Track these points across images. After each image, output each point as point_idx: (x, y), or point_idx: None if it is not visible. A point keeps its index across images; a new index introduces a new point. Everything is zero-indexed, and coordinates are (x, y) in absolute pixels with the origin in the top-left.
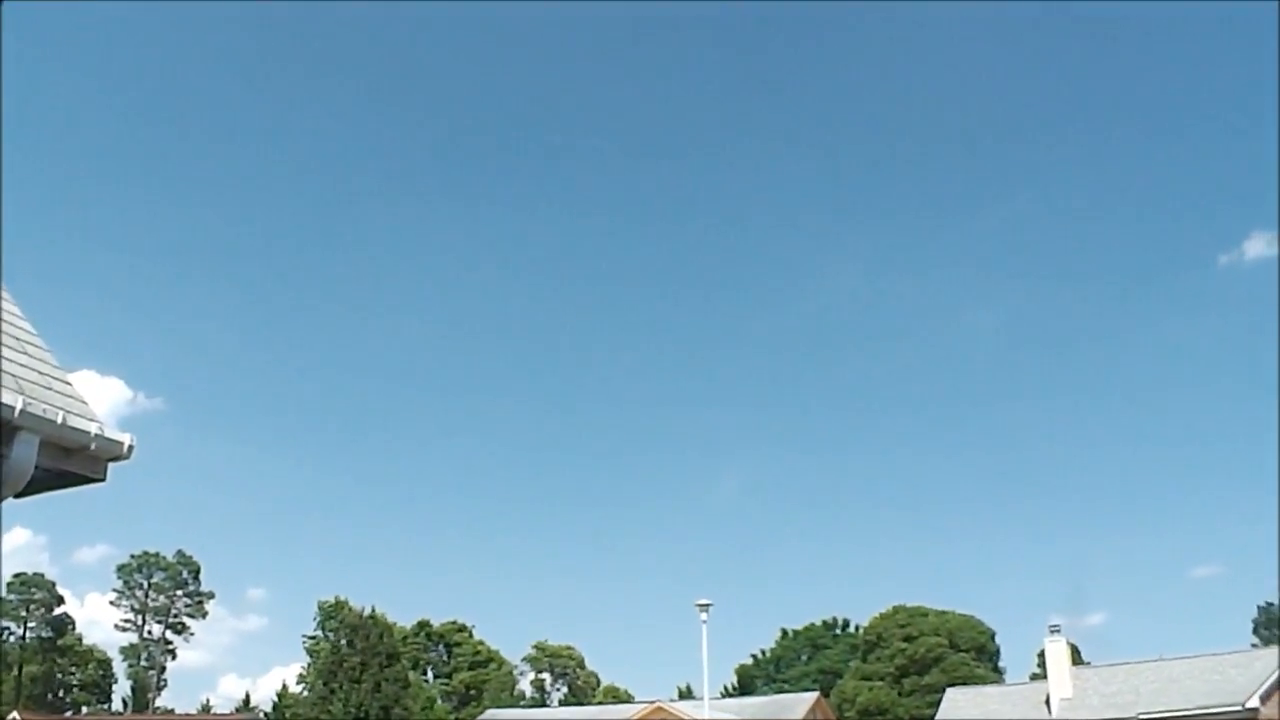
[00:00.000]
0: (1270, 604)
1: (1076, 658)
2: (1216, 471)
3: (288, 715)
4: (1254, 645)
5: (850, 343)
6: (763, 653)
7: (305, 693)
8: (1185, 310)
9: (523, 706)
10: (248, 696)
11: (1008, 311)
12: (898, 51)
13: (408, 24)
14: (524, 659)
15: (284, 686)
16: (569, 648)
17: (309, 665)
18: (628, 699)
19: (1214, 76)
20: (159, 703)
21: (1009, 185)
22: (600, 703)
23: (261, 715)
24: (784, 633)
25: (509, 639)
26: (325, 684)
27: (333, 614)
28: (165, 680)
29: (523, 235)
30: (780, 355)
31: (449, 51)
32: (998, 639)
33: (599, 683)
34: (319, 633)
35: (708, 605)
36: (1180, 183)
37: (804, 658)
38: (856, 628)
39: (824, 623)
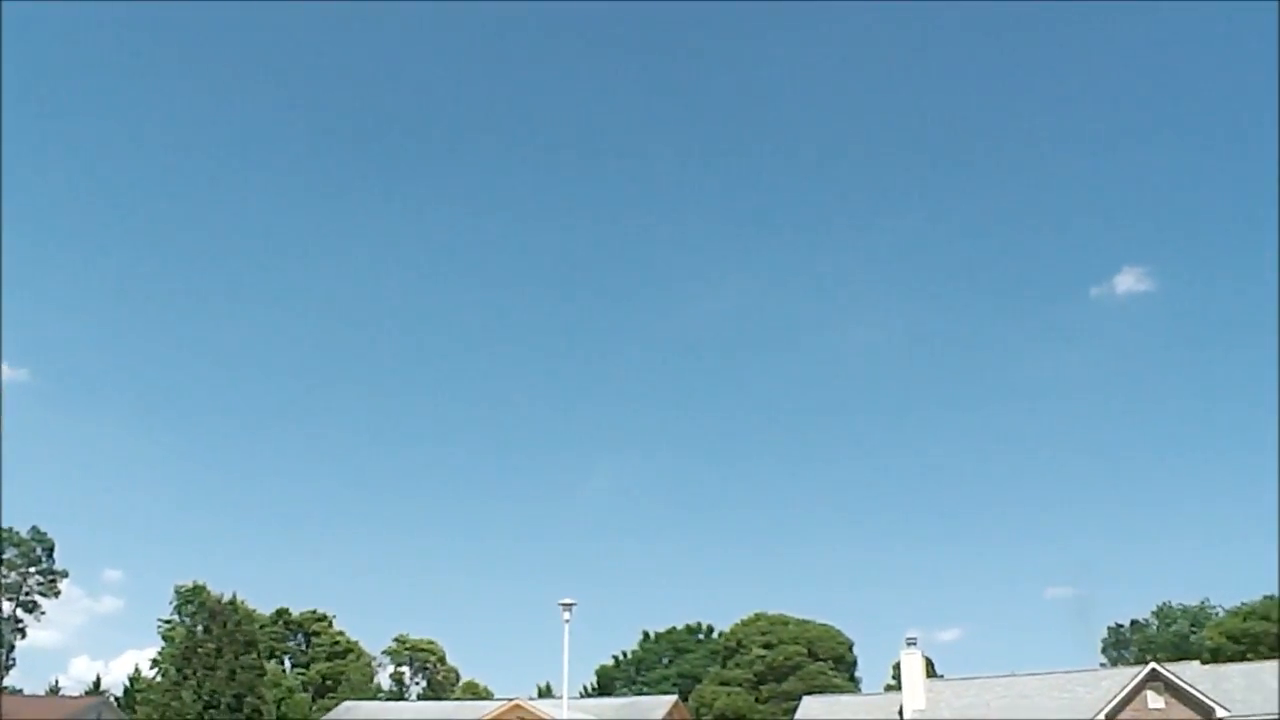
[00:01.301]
0: (1120, 625)
1: (931, 670)
2: (1073, 495)
3: (139, 700)
4: (1102, 665)
5: (736, 349)
6: (624, 654)
7: (159, 678)
8: (1056, 336)
9: (381, 699)
10: (99, 679)
11: (890, 328)
12: (803, 68)
13: (285, 15)
14: (384, 651)
15: (137, 670)
16: (430, 642)
17: (163, 650)
18: (487, 696)
19: (1097, 115)
20: (6, 682)
21: (900, 205)
22: (459, 698)
23: (112, 699)
24: (646, 635)
25: (370, 631)
26: (179, 670)
27: (190, 598)
28: (14, 659)
29: (410, 228)
30: (666, 358)
31: (341, 38)
32: (855, 649)
33: (459, 678)
34: (175, 617)
35: (571, 604)
36: (1061, 213)
37: (665, 661)
38: (719, 633)
39: (687, 627)
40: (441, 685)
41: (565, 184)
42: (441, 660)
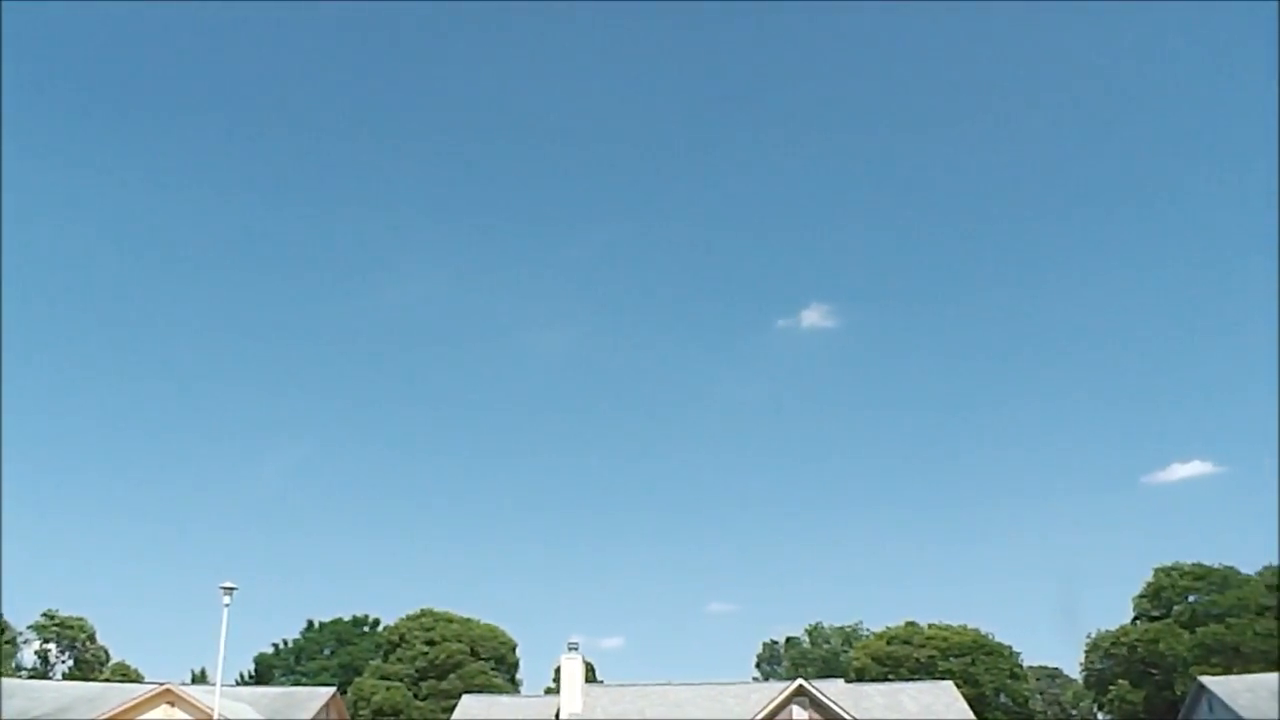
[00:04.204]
0: (774, 641)
1: (592, 676)
2: (741, 513)
3: None
4: (755, 679)
5: (421, 343)
6: (285, 643)
7: None
8: (737, 360)
9: (23, 677)
10: None
11: (580, 336)
12: (525, 62)
13: None
14: (30, 627)
15: None
16: (80, 619)
17: None
18: (137, 678)
19: (794, 155)
20: None
21: (609, 220)
22: (108, 680)
23: None
24: (310, 624)
25: (15, 605)
26: None
27: None
28: None
29: (95, 200)
30: (348, 347)
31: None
32: (519, 651)
33: (109, 658)
34: None
35: (232, 589)
36: (758, 248)
37: (327, 651)
38: (384, 627)
39: (354, 618)
40: (90, 665)
41: (257, 163)
42: (91, 639)
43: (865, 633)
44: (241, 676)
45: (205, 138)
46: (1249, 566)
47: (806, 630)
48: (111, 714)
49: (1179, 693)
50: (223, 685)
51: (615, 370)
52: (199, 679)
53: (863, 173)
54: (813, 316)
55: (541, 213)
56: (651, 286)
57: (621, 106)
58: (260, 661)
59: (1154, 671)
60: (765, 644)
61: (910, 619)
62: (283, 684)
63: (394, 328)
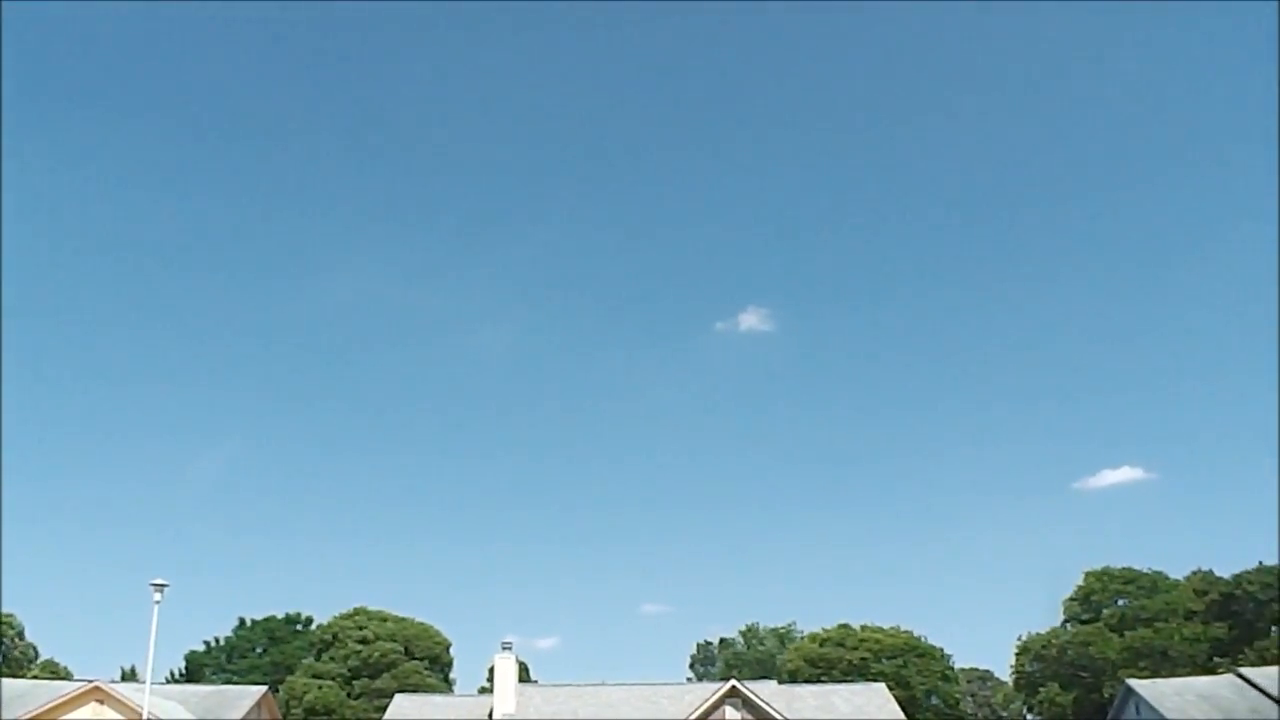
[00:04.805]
0: (709, 642)
1: (526, 676)
2: (675, 513)
3: None
4: (689, 679)
5: (361, 341)
6: (216, 640)
7: None
8: (674, 364)
9: None
10: None
11: (520, 337)
12: (465, 63)
13: None
14: None
15: None
16: (9, 616)
17: None
18: (66, 676)
19: (734, 157)
20: None
21: (546, 215)
22: (36, 677)
23: None
24: (241, 622)
25: None
26: None
27: None
28: None
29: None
30: (286, 344)
31: None
32: (453, 650)
33: (37, 655)
34: None
35: (163, 585)
36: (692, 249)
37: (259, 650)
38: (318, 625)
39: (287, 616)
40: (18, 662)
41: (190, 159)
42: (20, 636)
43: (799, 634)
44: (172, 674)
45: (136, 135)
46: (1177, 571)
47: (741, 632)
48: (39, 712)
49: (1108, 695)
50: (153, 683)
51: (553, 371)
52: (129, 676)
53: (801, 176)
54: (751, 319)
55: (480, 212)
56: (590, 288)
57: (561, 108)
58: (191, 659)
59: (1083, 674)
60: (699, 645)
61: (843, 621)
62: (214, 682)
63: (329, 326)
